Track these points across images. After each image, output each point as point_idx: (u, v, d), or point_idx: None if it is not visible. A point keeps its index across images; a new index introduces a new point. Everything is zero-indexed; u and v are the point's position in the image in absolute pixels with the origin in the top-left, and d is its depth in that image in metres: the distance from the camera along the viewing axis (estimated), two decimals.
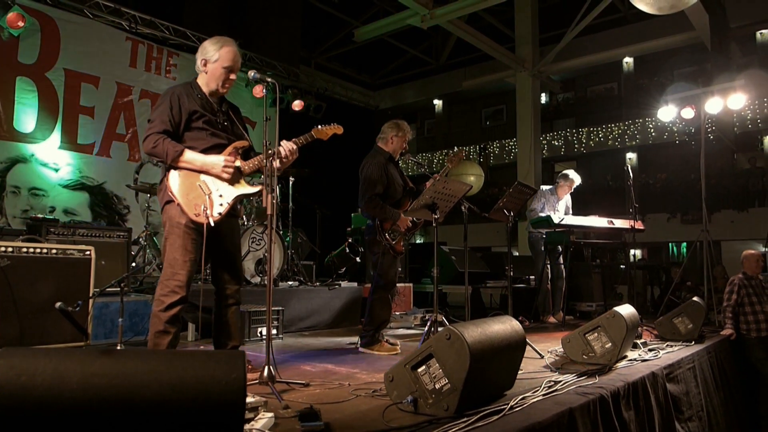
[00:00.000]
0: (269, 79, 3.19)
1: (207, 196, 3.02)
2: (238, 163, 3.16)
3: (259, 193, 3.18)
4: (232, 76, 3.20)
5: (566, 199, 7.02)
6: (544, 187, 7.04)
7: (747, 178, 15.20)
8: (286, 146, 3.16)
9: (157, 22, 8.74)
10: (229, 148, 3.18)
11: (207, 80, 3.18)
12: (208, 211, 2.98)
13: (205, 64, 3.16)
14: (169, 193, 2.99)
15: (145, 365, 1.62)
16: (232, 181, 3.15)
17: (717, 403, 4.82)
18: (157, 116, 3.04)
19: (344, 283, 6.79)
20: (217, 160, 3.06)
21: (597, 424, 2.80)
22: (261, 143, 3.08)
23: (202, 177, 3.07)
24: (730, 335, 5.77)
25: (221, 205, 3.06)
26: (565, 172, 7.01)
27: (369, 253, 4.65)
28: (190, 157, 3.02)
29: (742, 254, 6.22)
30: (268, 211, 2.97)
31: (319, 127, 3.45)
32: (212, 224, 2.99)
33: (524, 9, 12.36)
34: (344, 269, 7.19)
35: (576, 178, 6.90)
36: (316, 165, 7.66)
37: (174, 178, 3.01)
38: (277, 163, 3.05)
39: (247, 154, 3.28)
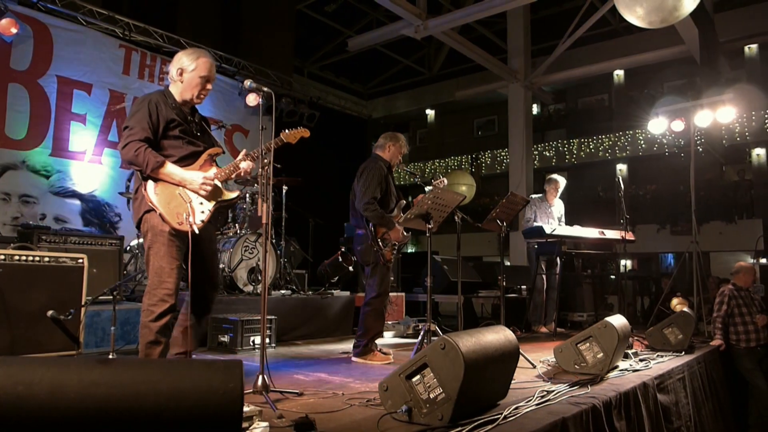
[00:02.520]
0: (265, 89, 3.23)
1: (188, 204, 3.02)
2: (213, 170, 3.19)
3: (238, 198, 3.27)
4: (209, 86, 3.23)
5: (559, 206, 7.08)
6: (534, 196, 7.10)
7: (735, 190, 15.35)
8: (246, 166, 3.22)
9: (151, 30, 8.75)
10: (204, 155, 3.19)
11: (182, 90, 3.19)
12: (191, 219, 2.99)
13: (180, 74, 3.17)
14: (149, 203, 2.98)
15: (143, 375, 1.62)
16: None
17: (706, 413, 4.85)
18: (137, 123, 3.01)
19: (336, 292, 6.79)
20: (196, 177, 3.07)
21: None
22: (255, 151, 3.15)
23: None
24: (719, 346, 5.82)
25: (203, 212, 3.08)
26: (549, 176, 7.10)
27: (361, 263, 4.65)
28: (170, 170, 3.02)
29: (736, 265, 6.25)
30: (264, 220, 2.99)
31: (286, 131, 3.43)
32: (196, 232, 2.99)
33: (517, 21, 12.47)
34: (337, 278, 7.20)
35: (560, 180, 6.98)
36: (309, 173, 7.67)
37: (152, 188, 3.00)
38: (248, 167, 3.20)
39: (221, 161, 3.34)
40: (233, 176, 3.25)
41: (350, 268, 7.01)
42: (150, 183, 3.00)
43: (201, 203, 3.09)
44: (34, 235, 4.83)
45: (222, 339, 4.92)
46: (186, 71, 3.16)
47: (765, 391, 5.86)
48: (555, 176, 7.04)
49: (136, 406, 1.55)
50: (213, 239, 3.40)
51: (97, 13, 8.12)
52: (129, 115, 3.11)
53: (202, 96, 3.23)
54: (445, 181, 4.46)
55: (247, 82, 3.26)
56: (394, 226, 4.38)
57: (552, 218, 6.90)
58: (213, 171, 3.18)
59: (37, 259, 3.84)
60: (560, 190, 7.01)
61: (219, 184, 3.17)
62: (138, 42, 8.65)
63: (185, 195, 3.04)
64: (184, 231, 2.97)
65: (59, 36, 7.74)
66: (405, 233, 4.52)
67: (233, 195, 3.25)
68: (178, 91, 3.20)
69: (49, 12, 7.66)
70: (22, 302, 3.68)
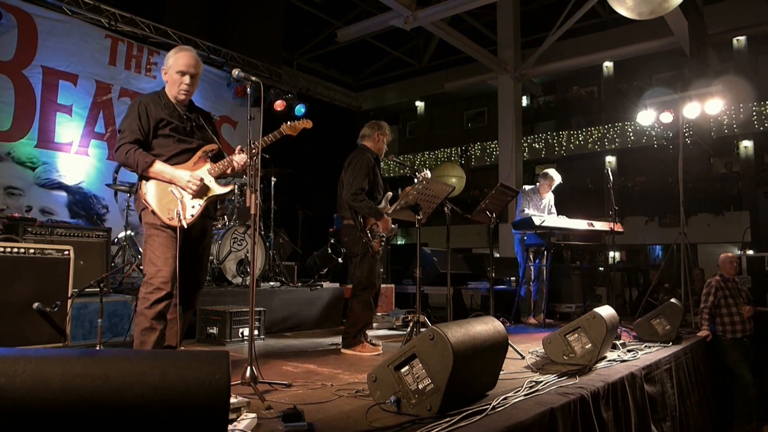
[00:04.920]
0: (253, 78, 3.20)
1: (179, 201, 3.13)
2: (207, 166, 3.25)
3: (230, 193, 3.33)
4: (185, 79, 3.24)
5: (549, 199, 7.09)
6: (527, 187, 7.11)
7: (723, 182, 15.47)
8: (240, 160, 3.26)
9: (138, 20, 8.64)
10: (199, 153, 3.27)
11: (169, 87, 3.30)
12: (181, 215, 3.10)
13: (165, 73, 3.29)
14: (143, 201, 3.12)
15: (129, 366, 1.60)
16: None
17: (691, 403, 4.90)
18: (127, 126, 3.15)
19: (326, 284, 6.78)
20: (183, 175, 3.15)
21: (577, 424, 2.83)
22: (244, 142, 3.18)
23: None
24: (706, 337, 5.87)
25: (193, 207, 3.17)
26: (545, 171, 7.10)
27: (350, 254, 4.64)
28: (160, 168, 3.13)
29: (720, 257, 6.32)
30: (252, 211, 2.98)
31: (288, 123, 3.48)
32: (185, 227, 3.10)
33: (506, 12, 12.43)
34: (326, 270, 7.18)
35: (556, 177, 6.98)
36: (298, 165, 7.63)
37: (146, 186, 3.15)
38: (237, 165, 3.26)
39: (218, 156, 3.36)
40: (228, 171, 3.30)
41: (339, 260, 7.00)
42: (144, 182, 3.14)
43: (192, 198, 3.18)
44: (20, 227, 4.78)
45: (211, 331, 4.90)
46: (168, 70, 3.26)
47: (750, 381, 5.93)
48: (551, 173, 7.00)
49: (122, 397, 1.53)
50: (207, 235, 3.43)
51: (82, 2, 8.00)
52: (122, 119, 3.25)
53: (181, 91, 3.25)
54: (428, 173, 4.43)
55: (236, 72, 3.24)
56: (383, 217, 4.37)
57: (543, 212, 6.91)
58: (206, 167, 3.26)
59: (23, 250, 3.80)
60: (554, 186, 7.01)
61: (211, 180, 3.23)
62: (124, 32, 8.54)
63: (177, 191, 3.15)
64: (174, 226, 3.08)
65: (44, 26, 7.62)
66: (393, 225, 4.51)
67: (225, 190, 3.31)
68: (168, 89, 3.30)
69: (33, 1, 7.53)
70: (7, 294, 3.64)
